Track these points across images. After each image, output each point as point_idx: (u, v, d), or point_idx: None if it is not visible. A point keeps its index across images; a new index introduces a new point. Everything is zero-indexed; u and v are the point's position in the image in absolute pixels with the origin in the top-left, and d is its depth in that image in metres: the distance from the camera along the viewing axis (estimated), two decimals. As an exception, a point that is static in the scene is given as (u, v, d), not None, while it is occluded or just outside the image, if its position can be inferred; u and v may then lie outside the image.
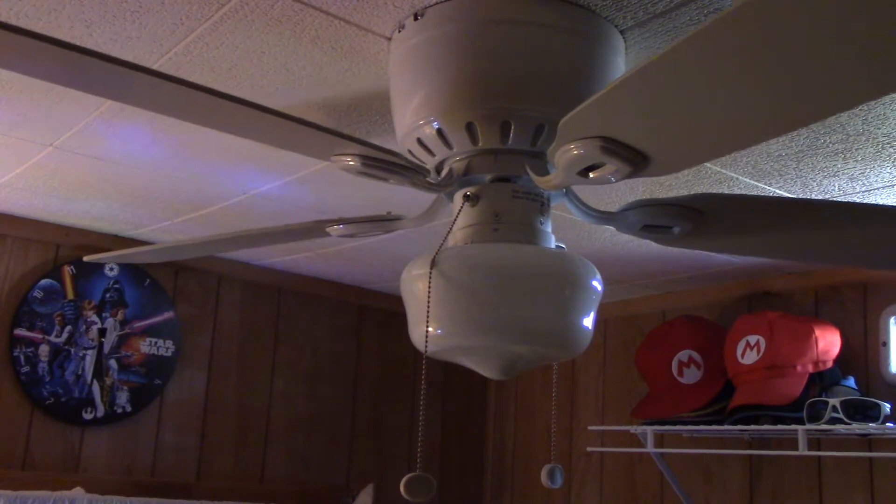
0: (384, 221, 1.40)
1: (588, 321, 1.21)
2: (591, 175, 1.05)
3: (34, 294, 2.48)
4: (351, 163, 1.16)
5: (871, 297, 2.43)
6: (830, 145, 1.63)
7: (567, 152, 1.01)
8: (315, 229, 1.47)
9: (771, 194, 1.87)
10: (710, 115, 0.89)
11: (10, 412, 2.44)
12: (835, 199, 1.85)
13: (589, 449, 2.82)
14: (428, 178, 1.23)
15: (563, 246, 1.39)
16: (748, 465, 2.61)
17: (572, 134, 0.99)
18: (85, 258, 1.97)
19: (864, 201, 1.88)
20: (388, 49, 1.34)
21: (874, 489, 2.34)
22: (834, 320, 2.41)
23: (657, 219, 1.22)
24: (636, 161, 0.99)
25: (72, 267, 2.56)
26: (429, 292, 1.16)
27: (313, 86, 1.52)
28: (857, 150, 1.64)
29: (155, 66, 1.46)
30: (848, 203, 1.21)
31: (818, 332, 2.32)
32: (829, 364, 2.32)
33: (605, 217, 1.27)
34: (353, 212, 2.17)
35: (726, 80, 0.82)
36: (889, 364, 2.34)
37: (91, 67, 0.96)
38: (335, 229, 1.44)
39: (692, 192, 1.61)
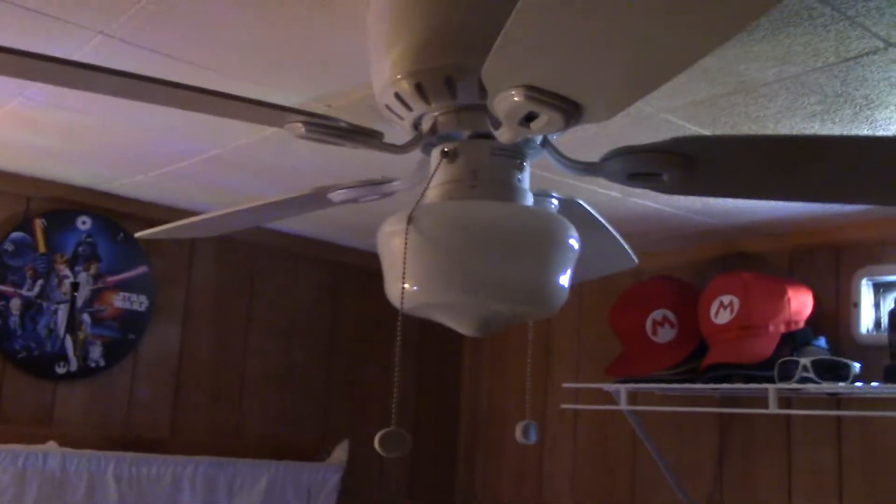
0: (381, 185, 1.39)
1: (564, 279, 1.21)
2: (531, 126, 1.05)
3: (5, 247, 2.45)
4: (302, 130, 1.20)
5: (843, 259, 2.46)
6: (808, 106, 1.63)
7: (498, 105, 1.02)
8: (317, 197, 1.46)
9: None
10: (618, 45, 0.88)
11: (-18, 366, 2.42)
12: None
13: (563, 406, 2.84)
14: (385, 140, 1.24)
15: (554, 196, 1.38)
16: (719, 423, 2.65)
17: (496, 86, 1.00)
18: (136, 235, 1.92)
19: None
20: (368, 1, 1.32)
21: (841, 447, 2.39)
22: (807, 281, 2.44)
23: (642, 166, 1.21)
24: (566, 109, 1.00)
25: (43, 220, 2.52)
26: (405, 249, 1.15)
27: (293, 40, 1.49)
28: (835, 111, 1.64)
29: (131, 11, 1.43)
30: (842, 136, 1.20)
31: (791, 292, 2.34)
32: (801, 324, 2.35)
33: (587, 168, 1.25)
34: (333, 165, 2.16)
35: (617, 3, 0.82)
36: (860, 325, 2.37)
37: (55, 71, 1.09)
38: (337, 194, 1.43)
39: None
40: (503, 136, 1.12)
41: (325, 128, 1.20)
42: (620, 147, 1.21)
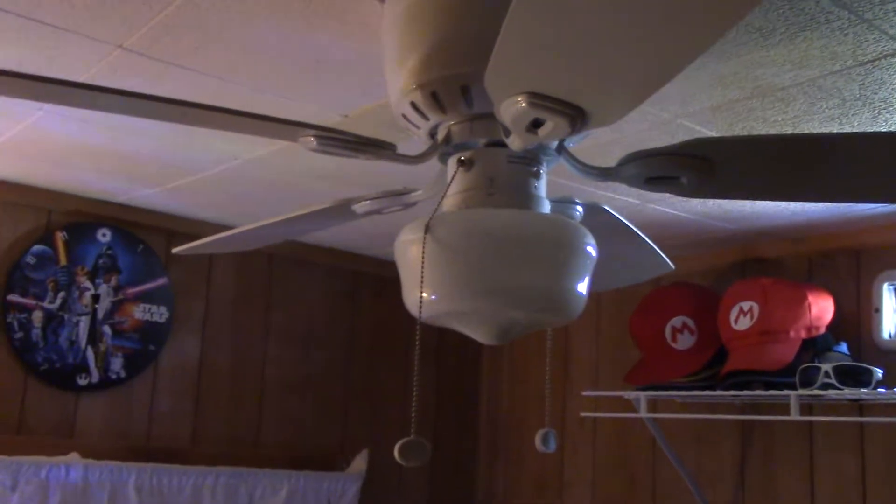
0: (403, 195, 1.40)
1: (583, 286, 1.21)
2: (538, 133, 1.05)
3: (27, 260, 2.47)
4: (314, 144, 1.21)
5: (864, 264, 2.44)
6: (826, 110, 1.62)
7: (504, 113, 1.03)
8: (342, 209, 1.46)
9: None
10: (612, 47, 0.88)
11: (4, 378, 2.44)
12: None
13: (582, 414, 2.83)
14: (399, 150, 1.25)
15: (579, 203, 1.38)
16: (740, 431, 2.63)
17: (499, 94, 1.01)
18: (174, 250, 1.93)
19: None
20: (382, 11, 1.32)
21: (864, 454, 2.36)
22: (827, 286, 2.42)
23: (659, 170, 1.20)
24: (570, 114, 1.00)
25: (64, 232, 2.55)
26: (423, 257, 1.15)
27: (306, 49, 1.50)
28: (853, 115, 1.63)
29: (151, 23, 1.44)
30: (862, 133, 1.17)
31: (811, 298, 2.33)
32: (822, 330, 2.33)
33: (604, 173, 1.25)
34: (347, 175, 2.17)
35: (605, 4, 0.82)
36: (881, 330, 2.35)
37: (68, 94, 1.13)
38: (361, 206, 1.44)
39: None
40: (513, 143, 1.12)
41: (337, 141, 1.21)
42: (637, 151, 1.20)
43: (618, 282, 2.00)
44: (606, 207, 1.48)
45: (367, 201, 1.43)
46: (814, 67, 1.45)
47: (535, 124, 1.04)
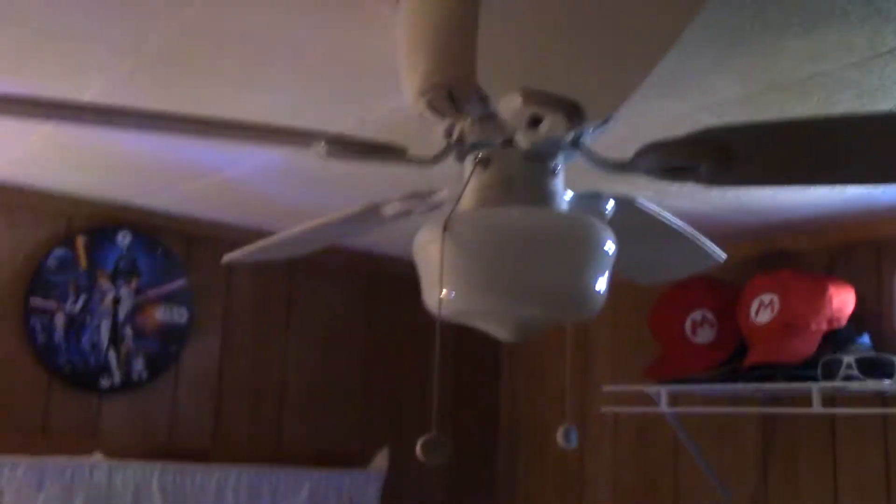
0: (429, 196, 1.40)
1: (602, 283, 1.21)
2: (539, 130, 1.06)
3: (48, 264, 2.49)
4: (325, 151, 1.23)
5: (885, 255, 2.42)
6: (845, 102, 1.61)
7: (503, 111, 1.04)
8: (372, 212, 1.47)
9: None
10: (590, 34, 0.88)
11: (28, 380, 2.46)
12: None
13: (602, 409, 2.82)
14: (409, 154, 1.26)
15: (609, 196, 1.37)
16: (762, 424, 2.61)
17: (494, 91, 1.02)
18: (224, 259, 1.94)
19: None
20: (398, 9, 1.32)
21: (888, 446, 2.35)
22: (848, 278, 2.40)
23: (677, 160, 1.19)
24: (565, 108, 1.01)
25: (84, 236, 2.57)
26: (441, 256, 1.16)
27: (321, 51, 1.51)
28: (872, 106, 1.62)
29: (166, 28, 1.45)
30: (884, 113, 1.15)
31: (832, 290, 2.31)
32: (843, 322, 2.32)
33: (621, 166, 1.24)
34: (364, 178, 2.17)
35: None
36: (903, 321, 2.33)
37: (79, 114, 1.21)
38: (390, 208, 1.44)
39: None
40: (521, 141, 1.13)
41: (348, 147, 1.23)
42: (653, 142, 1.19)
43: (666, 275, 1.95)
44: (641, 200, 1.45)
45: (395, 203, 1.43)
46: (831, 60, 1.44)
47: (535, 121, 1.05)
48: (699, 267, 1.84)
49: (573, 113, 1.02)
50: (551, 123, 1.04)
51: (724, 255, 1.71)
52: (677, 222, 1.55)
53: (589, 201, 1.36)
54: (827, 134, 1.14)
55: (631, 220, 1.37)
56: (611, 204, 1.39)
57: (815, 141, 1.15)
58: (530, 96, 1.00)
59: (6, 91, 1.07)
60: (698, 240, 1.63)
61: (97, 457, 2.45)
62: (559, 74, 0.97)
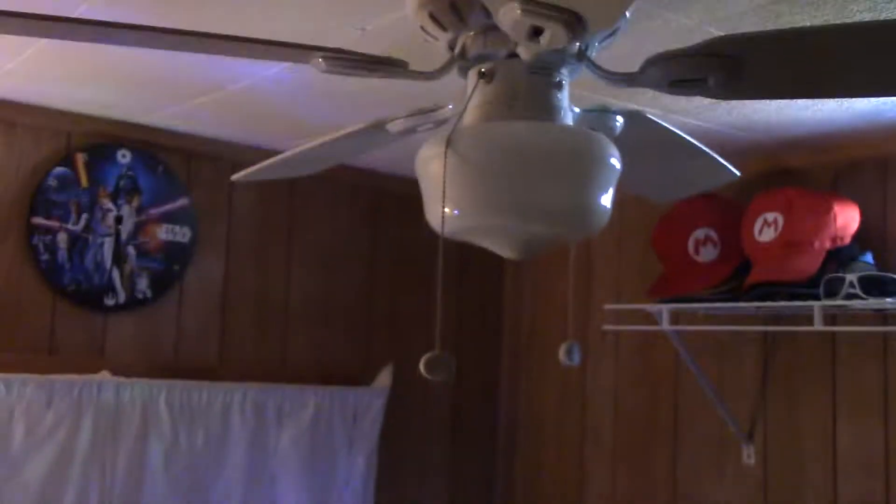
0: (435, 112, 1.38)
1: (606, 199, 1.20)
2: (541, 41, 1.04)
3: (49, 182, 2.48)
4: (324, 66, 1.21)
5: (891, 173, 2.40)
6: (858, 14, 1.57)
7: (503, 22, 1.02)
8: (377, 129, 1.45)
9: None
10: None
11: (33, 300, 2.47)
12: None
13: (604, 327, 2.84)
14: (410, 68, 1.24)
15: (617, 112, 1.34)
16: (763, 342, 2.63)
17: (493, 1, 1.01)
18: (233, 178, 1.91)
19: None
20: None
21: (887, 364, 2.37)
22: (853, 196, 2.39)
23: (685, 72, 1.16)
24: (566, 19, 1.00)
25: (84, 154, 2.55)
26: (444, 172, 1.14)
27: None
28: (886, 17, 1.58)
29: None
30: None
31: (837, 207, 2.30)
32: (847, 240, 2.31)
33: (628, 79, 1.22)
34: (365, 93, 2.14)
35: None
36: (908, 240, 2.33)
37: (72, 29, 1.17)
38: (395, 125, 1.42)
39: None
40: (522, 53, 1.11)
41: (347, 61, 1.21)
42: (661, 52, 1.17)
43: (680, 192, 1.93)
44: (650, 115, 1.41)
45: (401, 120, 1.41)
46: (845, -31, 1.40)
47: (536, 32, 1.03)
48: (714, 183, 1.82)
49: (574, 23, 1.00)
50: (552, 34, 1.02)
51: (737, 173, 1.68)
52: (689, 138, 1.53)
53: (597, 116, 1.33)
54: (839, 42, 1.11)
55: (642, 136, 1.34)
56: (620, 119, 1.37)
57: (826, 49, 1.12)
58: (529, 6, 0.98)
59: (-3, 6, 1.04)
60: (712, 155, 1.60)
61: (104, 374, 2.48)
62: None
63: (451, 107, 1.36)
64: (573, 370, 3.09)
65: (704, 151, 1.57)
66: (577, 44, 1.19)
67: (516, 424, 3.33)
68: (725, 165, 1.64)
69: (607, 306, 2.82)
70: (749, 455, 2.62)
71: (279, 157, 1.69)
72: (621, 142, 1.29)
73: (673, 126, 2.15)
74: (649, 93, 1.65)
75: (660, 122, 1.44)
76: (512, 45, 1.19)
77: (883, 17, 1.57)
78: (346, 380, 2.95)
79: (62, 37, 1.22)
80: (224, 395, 2.65)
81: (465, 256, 3.27)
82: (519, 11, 0.99)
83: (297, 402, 2.78)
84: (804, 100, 2.07)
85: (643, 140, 1.36)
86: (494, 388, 3.40)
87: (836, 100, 2.07)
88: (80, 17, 1.75)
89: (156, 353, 2.67)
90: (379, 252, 3.16)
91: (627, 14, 1.18)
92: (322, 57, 1.20)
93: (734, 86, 1.18)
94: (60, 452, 2.37)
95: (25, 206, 2.46)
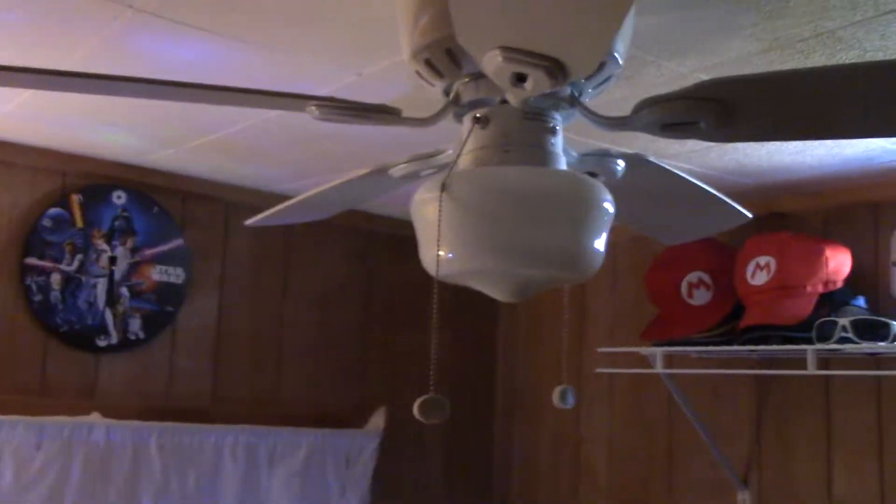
0: (436, 157, 1.39)
1: (599, 243, 1.20)
2: (525, 87, 1.06)
3: (43, 223, 2.48)
4: (318, 113, 1.23)
5: (881, 217, 2.42)
6: (847, 62, 1.59)
7: (486, 69, 1.04)
8: (380, 175, 1.46)
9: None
10: None
11: (25, 340, 2.46)
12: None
13: (598, 370, 2.84)
14: (404, 115, 1.25)
15: (618, 156, 1.35)
16: (756, 386, 2.63)
17: (475, 50, 1.02)
18: (246, 223, 1.91)
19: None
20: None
21: (881, 408, 2.36)
22: (844, 240, 2.40)
23: (677, 115, 1.17)
24: (547, 65, 1.01)
25: (80, 195, 2.55)
26: (439, 215, 1.15)
27: (320, 7, 1.49)
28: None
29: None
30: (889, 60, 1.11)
31: (829, 252, 2.31)
32: (839, 284, 2.32)
33: (619, 123, 1.23)
34: (362, 135, 2.16)
35: None
36: (899, 283, 2.34)
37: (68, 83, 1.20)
38: (397, 170, 1.43)
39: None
40: (511, 99, 1.12)
41: (341, 108, 1.22)
42: (651, 96, 1.17)
43: (687, 235, 1.92)
44: (651, 158, 1.41)
45: (403, 164, 1.42)
46: (834, 18, 1.43)
47: (520, 79, 1.05)
48: (724, 226, 1.81)
49: (555, 69, 1.02)
50: (535, 80, 1.03)
51: (749, 215, 1.66)
52: (695, 180, 1.53)
53: (597, 160, 1.34)
54: (828, 84, 1.11)
55: (647, 179, 1.35)
56: (621, 163, 1.38)
57: (816, 91, 1.12)
58: (510, 54, 1.00)
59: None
60: (722, 198, 1.59)
61: (95, 416, 2.46)
62: (536, 30, 0.97)
63: (450, 151, 1.37)
64: (567, 412, 3.08)
65: (713, 194, 1.57)
66: (569, 89, 1.21)
67: (511, 467, 3.31)
68: (736, 208, 1.64)
69: (601, 349, 2.82)
70: (744, 500, 2.60)
71: (289, 202, 1.69)
72: (626, 185, 1.29)
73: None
74: (642, 138, 1.67)
75: (662, 164, 1.44)
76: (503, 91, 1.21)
77: (872, 64, 1.60)
78: (340, 421, 2.93)
79: (61, 88, 1.23)
80: (216, 436, 2.63)
81: (460, 298, 3.26)
82: (500, 59, 1.00)
83: (289, 444, 2.76)
84: (795, 145, 2.09)
85: (649, 183, 1.36)
86: (488, 430, 3.38)
87: (827, 145, 2.09)
88: (76, 66, 1.77)
89: (148, 395, 2.65)
90: (372, 293, 3.16)
91: (621, 61, 1.20)
92: (316, 105, 1.22)
93: (726, 128, 1.19)
94: (50, 494, 2.34)
95: (19, 247, 2.46)
